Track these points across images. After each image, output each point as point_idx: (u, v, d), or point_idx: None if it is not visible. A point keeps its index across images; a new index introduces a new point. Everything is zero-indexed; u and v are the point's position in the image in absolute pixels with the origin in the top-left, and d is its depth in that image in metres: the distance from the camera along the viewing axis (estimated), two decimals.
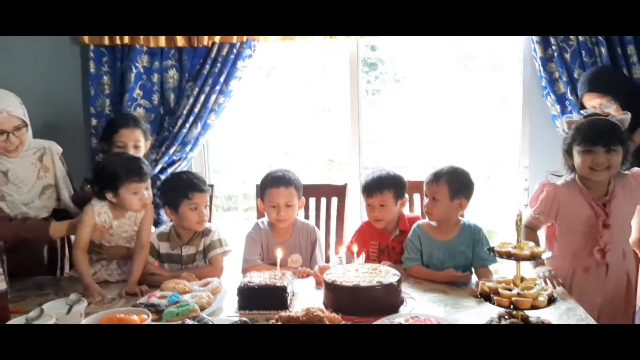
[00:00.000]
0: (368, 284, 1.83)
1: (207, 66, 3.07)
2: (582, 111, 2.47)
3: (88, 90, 3.16)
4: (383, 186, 2.35)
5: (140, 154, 2.62)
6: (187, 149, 3.16)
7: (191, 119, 3.11)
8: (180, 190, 2.32)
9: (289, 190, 2.40)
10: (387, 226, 2.41)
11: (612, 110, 2.61)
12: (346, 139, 3.29)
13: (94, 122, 3.17)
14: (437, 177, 2.25)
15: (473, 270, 2.22)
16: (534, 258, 1.65)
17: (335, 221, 2.74)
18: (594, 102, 2.66)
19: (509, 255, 1.65)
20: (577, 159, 2.18)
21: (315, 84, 3.44)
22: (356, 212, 3.15)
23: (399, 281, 1.89)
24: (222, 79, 3.08)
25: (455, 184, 2.23)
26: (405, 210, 2.58)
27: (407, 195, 2.48)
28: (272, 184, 2.40)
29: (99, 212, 2.27)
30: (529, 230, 2.31)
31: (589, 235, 2.19)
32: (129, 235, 2.34)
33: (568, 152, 2.24)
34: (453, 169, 2.27)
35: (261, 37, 3.06)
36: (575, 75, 2.91)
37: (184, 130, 3.12)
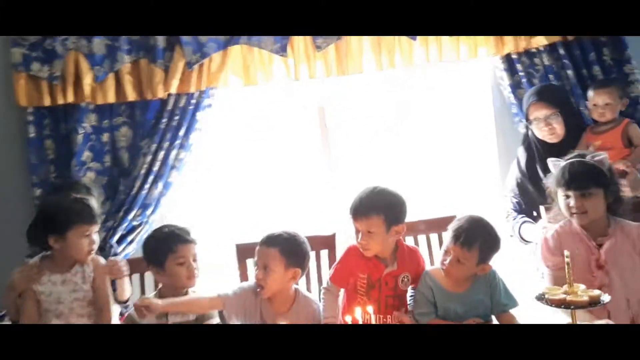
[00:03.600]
0: None
1: (164, 120, 2.82)
2: (577, 154, 2.33)
3: (29, 158, 2.81)
4: (370, 208, 2.02)
5: None
6: (148, 212, 2.86)
7: (150, 178, 2.82)
8: (163, 244, 2.09)
9: (269, 251, 2.06)
10: (380, 256, 2.09)
11: (557, 123, 2.61)
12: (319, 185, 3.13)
13: (37, 192, 2.80)
14: (469, 241, 1.98)
15: (494, 318, 2.06)
16: (593, 305, 1.48)
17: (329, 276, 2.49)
18: (539, 113, 2.63)
19: (566, 305, 1.47)
20: (559, 202, 2.16)
21: (283, 130, 3.24)
22: None
23: None
24: (181, 133, 2.84)
25: (487, 250, 2.02)
26: None
27: (405, 223, 2.11)
28: (259, 242, 2.12)
29: (27, 276, 2.04)
30: None
31: (587, 276, 2.07)
32: (82, 298, 2.09)
33: (556, 194, 2.20)
34: (486, 231, 2.03)
35: (220, 85, 2.85)
36: None
37: (143, 192, 2.82)
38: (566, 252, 1.53)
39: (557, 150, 2.51)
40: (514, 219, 2.70)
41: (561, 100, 2.68)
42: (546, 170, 2.61)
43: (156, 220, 2.93)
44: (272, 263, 2.04)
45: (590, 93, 2.73)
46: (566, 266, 1.52)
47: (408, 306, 2.14)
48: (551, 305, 1.52)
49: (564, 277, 2.07)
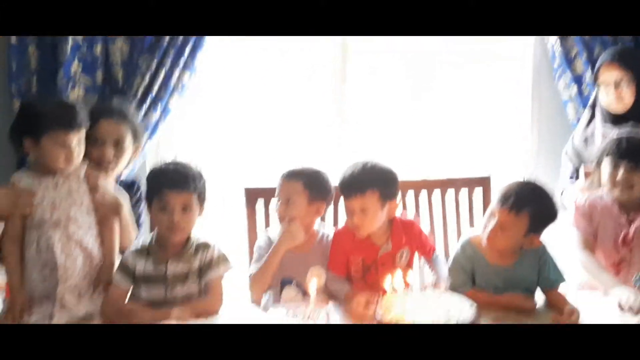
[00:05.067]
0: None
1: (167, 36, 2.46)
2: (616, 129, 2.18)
3: (10, 65, 2.44)
4: (365, 185, 1.83)
5: (124, 160, 2.10)
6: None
7: (148, 100, 2.50)
8: (154, 184, 1.80)
9: (292, 184, 1.93)
10: (372, 236, 1.91)
11: (628, 90, 2.38)
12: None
13: (17, 103, 2.46)
14: (519, 205, 1.73)
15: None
16: None
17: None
18: (611, 75, 2.39)
19: None
20: (603, 172, 2.02)
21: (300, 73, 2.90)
22: None
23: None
24: (186, 51, 2.49)
25: (539, 219, 1.77)
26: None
27: (399, 197, 1.98)
28: (282, 176, 1.97)
29: (18, 179, 1.77)
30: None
31: (610, 250, 2.02)
32: (81, 204, 1.79)
33: (598, 164, 2.06)
34: (541, 197, 1.79)
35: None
36: (595, 55, 2.61)
37: (139, 116, 2.50)
38: None
39: (621, 121, 2.33)
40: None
41: (639, 66, 2.41)
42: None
43: (152, 149, 2.63)
44: (294, 196, 1.90)
45: None
46: None
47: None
48: None
49: (592, 241, 2.05)
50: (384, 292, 1.62)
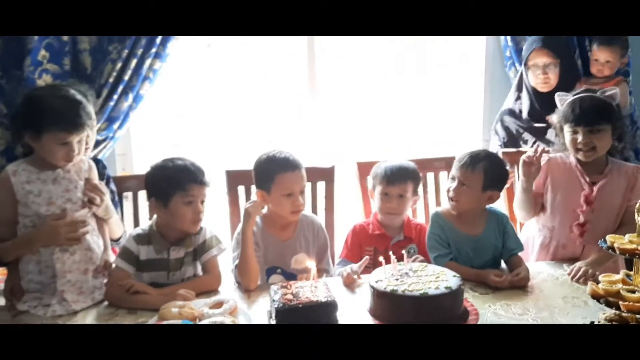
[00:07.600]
0: (437, 292, 1.54)
1: None
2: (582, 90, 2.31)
3: None
4: (407, 177, 2.16)
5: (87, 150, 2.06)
6: (115, 126, 2.55)
7: (120, 88, 2.50)
8: (174, 179, 1.83)
9: (300, 174, 2.03)
10: (387, 229, 2.17)
11: (553, 74, 2.60)
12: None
13: None
14: (473, 162, 1.98)
15: (502, 262, 2.06)
16: None
17: (324, 211, 2.36)
18: (540, 60, 2.60)
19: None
20: (565, 138, 2.12)
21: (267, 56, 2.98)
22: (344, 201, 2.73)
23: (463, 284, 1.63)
24: (158, 40, 2.50)
25: (492, 175, 1.99)
26: None
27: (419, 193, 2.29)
28: (284, 167, 1.99)
29: (14, 170, 1.76)
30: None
31: (572, 212, 2.12)
32: (77, 200, 1.81)
33: (561, 129, 2.15)
34: (491, 156, 2.05)
35: None
36: None
37: (111, 104, 2.50)
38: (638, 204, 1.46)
39: (546, 98, 2.52)
40: None
41: (564, 52, 2.64)
42: (533, 116, 2.67)
43: (122, 135, 2.64)
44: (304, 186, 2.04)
45: (595, 48, 2.71)
46: (637, 213, 1.47)
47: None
48: (624, 255, 1.47)
49: (531, 200, 2.14)
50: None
